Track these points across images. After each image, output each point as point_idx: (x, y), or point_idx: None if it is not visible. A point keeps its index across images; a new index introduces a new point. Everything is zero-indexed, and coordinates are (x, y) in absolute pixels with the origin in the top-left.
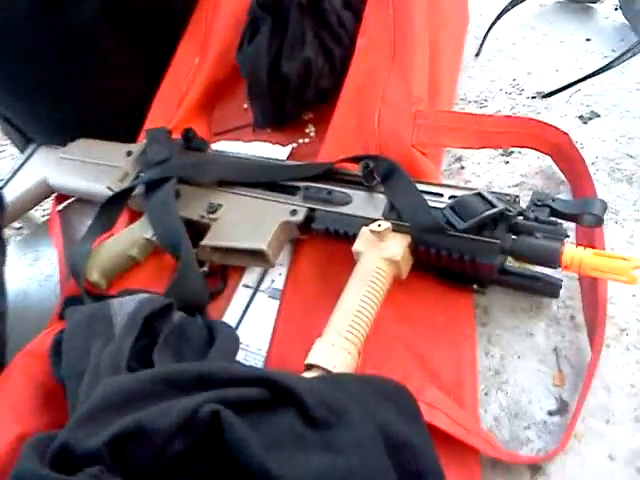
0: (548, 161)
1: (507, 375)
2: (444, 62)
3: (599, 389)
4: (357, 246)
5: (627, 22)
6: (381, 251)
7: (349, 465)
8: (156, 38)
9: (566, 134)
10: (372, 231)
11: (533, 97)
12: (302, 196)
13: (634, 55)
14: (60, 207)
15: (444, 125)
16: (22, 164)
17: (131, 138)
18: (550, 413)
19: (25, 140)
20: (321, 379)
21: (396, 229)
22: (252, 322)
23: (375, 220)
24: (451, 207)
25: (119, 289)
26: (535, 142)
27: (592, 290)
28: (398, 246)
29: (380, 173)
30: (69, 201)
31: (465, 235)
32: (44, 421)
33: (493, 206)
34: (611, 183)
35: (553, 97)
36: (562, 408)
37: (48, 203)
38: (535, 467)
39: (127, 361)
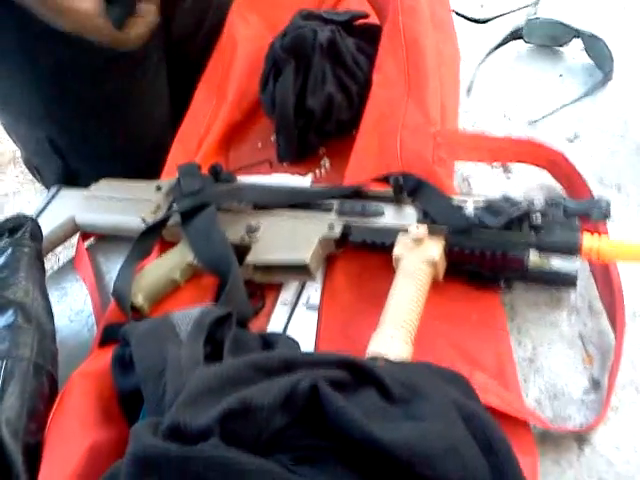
0: (545, 176)
1: (541, 362)
2: (447, 95)
3: (625, 365)
4: (397, 252)
5: (592, 61)
6: (420, 254)
7: (437, 429)
8: (181, 75)
9: (561, 152)
10: (410, 235)
11: (523, 124)
12: (337, 212)
13: (603, 86)
14: (87, 244)
15: (461, 143)
16: (46, 204)
17: (151, 175)
18: (585, 391)
19: (59, 168)
20: (390, 364)
21: (431, 233)
22: (293, 336)
23: (410, 227)
24: (482, 208)
25: (161, 312)
26: (534, 158)
27: (605, 277)
28: (435, 248)
29: (407, 188)
30: (93, 240)
31: (496, 233)
32: (108, 432)
33: (518, 206)
34: (603, 190)
35: (540, 123)
36: (595, 385)
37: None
38: (580, 437)
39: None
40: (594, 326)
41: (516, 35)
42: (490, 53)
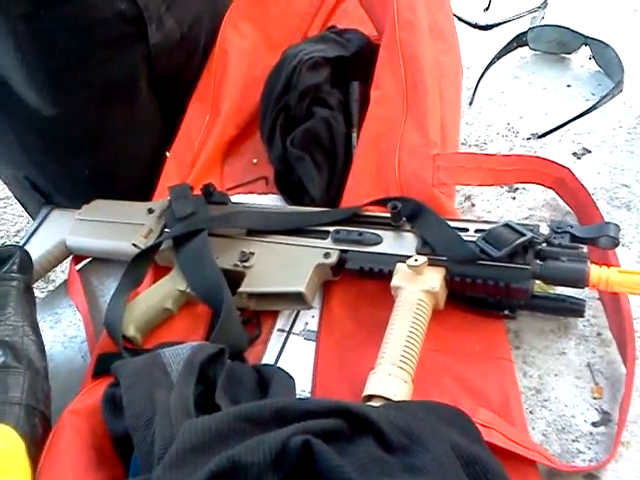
0: (551, 194)
1: (548, 393)
2: (448, 110)
3: (636, 398)
4: (396, 282)
5: (601, 69)
6: (420, 284)
7: None
8: (172, 95)
9: (567, 168)
10: (410, 266)
11: (528, 138)
12: (333, 239)
13: (613, 97)
14: (78, 267)
15: (461, 165)
16: (37, 227)
17: (143, 194)
18: (594, 424)
19: (42, 203)
20: (387, 407)
21: (431, 262)
22: (290, 364)
23: (409, 256)
24: (484, 238)
25: (154, 342)
26: (540, 177)
27: (616, 307)
28: (435, 278)
29: (406, 213)
30: (86, 261)
31: (499, 263)
32: (101, 475)
33: (522, 235)
34: (612, 210)
35: (546, 137)
36: (605, 418)
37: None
38: (590, 475)
39: (194, 406)
40: (603, 355)
41: (521, 42)
42: (493, 61)
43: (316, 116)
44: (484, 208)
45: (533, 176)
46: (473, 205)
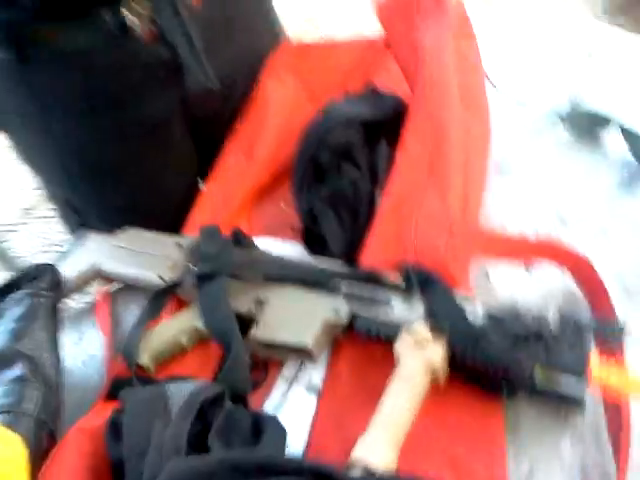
0: (568, 276)
1: None
2: (473, 179)
3: None
4: (398, 348)
5: (632, 157)
6: (421, 356)
7: None
8: (207, 136)
9: (585, 257)
10: (412, 336)
11: (552, 216)
12: (344, 295)
13: None
14: (107, 290)
15: (478, 238)
16: (72, 248)
17: (174, 226)
18: None
19: (79, 224)
20: (368, 476)
21: (433, 335)
22: (290, 415)
23: (414, 325)
24: (490, 318)
25: (166, 373)
26: (557, 259)
27: (615, 409)
28: (437, 353)
29: (417, 280)
30: (114, 286)
31: (500, 348)
32: None
33: (527, 322)
34: (625, 298)
35: (570, 219)
36: None
37: None
38: None
39: (185, 445)
40: (597, 459)
41: (554, 120)
42: (524, 136)
43: (345, 177)
44: (498, 283)
45: (550, 257)
46: (487, 278)
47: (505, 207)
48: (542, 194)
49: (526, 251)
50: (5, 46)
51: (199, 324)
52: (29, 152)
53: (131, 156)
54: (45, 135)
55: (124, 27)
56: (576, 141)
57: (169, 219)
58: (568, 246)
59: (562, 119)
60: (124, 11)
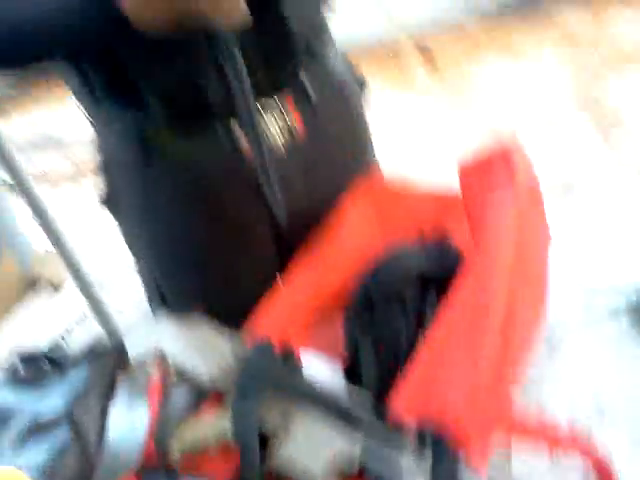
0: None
1: None
2: (513, 352)
3: None
4: None
5: None
6: None
7: None
8: (292, 247)
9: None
10: None
11: (590, 408)
12: (361, 443)
13: None
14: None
15: (507, 413)
16: (144, 327)
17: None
18: None
19: (159, 301)
20: None
21: None
22: None
23: None
24: None
25: (188, 466)
26: (584, 456)
27: None
28: None
29: (431, 442)
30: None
31: None
32: None
33: None
34: None
35: (608, 411)
36: None
37: None
38: None
39: None
40: None
41: (615, 315)
42: (580, 318)
43: (392, 326)
44: (518, 467)
45: (577, 452)
46: (508, 463)
47: (546, 386)
48: (585, 380)
49: (554, 442)
50: (135, 149)
51: (229, 433)
52: (129, 233)
53: (217, 253)
54: (148, 225)
55: (233, 140)
56: (635, 336)
57: (242, 313)
58: (598, 449)
59: (626, 310)
60: (234, 125)
